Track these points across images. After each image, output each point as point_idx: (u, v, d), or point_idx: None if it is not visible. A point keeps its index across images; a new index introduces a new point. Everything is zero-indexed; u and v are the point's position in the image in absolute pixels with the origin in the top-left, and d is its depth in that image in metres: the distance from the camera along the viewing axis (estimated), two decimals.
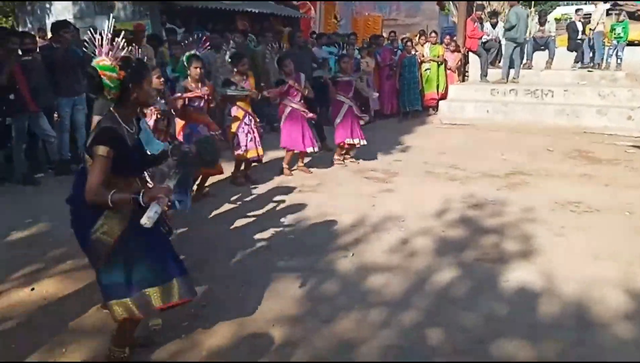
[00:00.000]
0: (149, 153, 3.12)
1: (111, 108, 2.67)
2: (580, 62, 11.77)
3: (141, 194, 2.56)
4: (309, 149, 6.79)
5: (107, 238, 2.65)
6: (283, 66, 6.69)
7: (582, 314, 3.41)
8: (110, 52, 2.58)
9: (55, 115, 7.13)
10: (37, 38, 8.04)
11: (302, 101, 6.76)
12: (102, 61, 2.56)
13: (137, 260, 2.70)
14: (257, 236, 4.77)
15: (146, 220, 2.52)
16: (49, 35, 8.24)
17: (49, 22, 12.45)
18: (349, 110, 7.17)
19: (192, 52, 5.79)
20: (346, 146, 7.27)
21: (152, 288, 2.69)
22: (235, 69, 6.35)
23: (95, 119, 3.52)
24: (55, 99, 6.87)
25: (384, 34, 13.53)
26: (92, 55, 2.62)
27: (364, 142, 7.23)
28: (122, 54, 2.65)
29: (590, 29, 11.65)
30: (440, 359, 2.95)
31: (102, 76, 2.53)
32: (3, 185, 6.43)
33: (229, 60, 7.21)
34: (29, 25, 14.07)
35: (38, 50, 7.05)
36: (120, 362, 2.89)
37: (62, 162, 7.01)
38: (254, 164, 6.63)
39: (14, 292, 3.75)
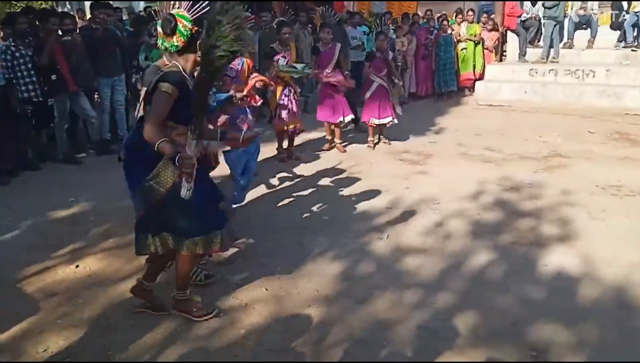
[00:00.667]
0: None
1: (173, 59, 2.91)
2: (623, 41, 11.34)
3: (177, 156, 2.76)
4: (339, 119, 6.81)
5: (159, 188, 2.89)
6: (321, 33, 6.80)
7: (621, 298, 3.36)
8: (189, 9, 2.82)
9: (96, 96, 7.29)
10: (77, 19, 8.17)
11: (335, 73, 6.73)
12: (181, 11, 2.82)
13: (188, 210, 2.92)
14: (293, 215, 4.82)
15: (184, 195, 2.80)
16: (88, 16, 8.39)
17: (87, 3, 12.63)
18: (379, 88, 7.06)
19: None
20: (373, 125, 7.17)
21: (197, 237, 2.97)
22: (278, 38, 6.38)
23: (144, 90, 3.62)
24: (95, 80, 7.01)
25: (420, 13, 13.28)
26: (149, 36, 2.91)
27: (395, 121, 7.11)
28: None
29: (633, 8, 11.17)
30: (475, 341, 2.95)
31: (178, 22, 2.78)
32: (46, 164, 6.62)
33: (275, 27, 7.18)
34: (68, 7, 14.32)
35: (77, 31, 7.18)
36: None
37: (103, 142, 7.18)
38: (296, 142, 6.69)
39: (59, 269, 3.88)
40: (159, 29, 2.91)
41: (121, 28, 7.94)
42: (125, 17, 10.25)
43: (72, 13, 10.11)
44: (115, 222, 4.61)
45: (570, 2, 12.11)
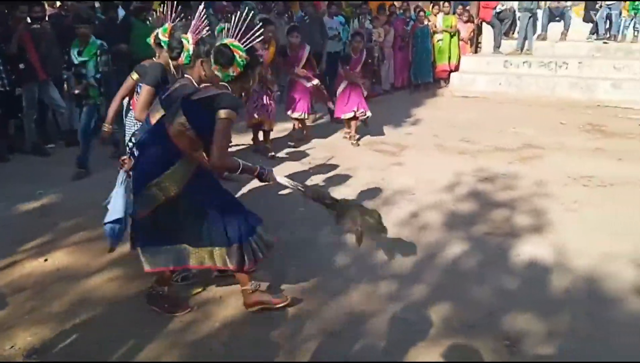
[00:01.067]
0: None
1: (225, 84, 2.88)
2: (596, 34, 11.51)
3: (267, 171, 3.05)
4: (295, 115, 6.83)
5: (160, 195, 2.83)
6: (289, 37, 6.67)
7: (594, 289, 3.40)
8: (238, 37, 2.84)
9: (65, 86, 7.10)
10: (47, 6, 7.95)
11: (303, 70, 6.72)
12: (232, 40, 2.82)
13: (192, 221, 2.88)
14: (268, 209, 4.76)
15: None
16: (58, 4, 8.17)
17: None
18: (350, 84, 6.97)
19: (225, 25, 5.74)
20: (345, 118, 7.11)
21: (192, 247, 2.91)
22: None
23: (146, 88, 3.62)
24: (64, 69, 6.83)
25: (396, 4, 13.26)
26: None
27: (369, 113, 7.00)
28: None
29: (606, 3, 11.31)
30: (450, 333, 2.96)
31: (235, 53, 2.78)
32: (14, 155, 6.45)
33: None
34: None
35: (47, 18, 6.98)
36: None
37: (72, 133, 7.00)
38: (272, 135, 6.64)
39: (27, 262, 3.78)
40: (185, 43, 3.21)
41: (92, 16, 7.73)
42: (97, 4, 10.01)
43: (41, 1, 9.82)
44: (84, 215, 4.49)
45: None
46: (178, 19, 3.78)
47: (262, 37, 2.93)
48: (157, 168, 2.83)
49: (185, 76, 3.16)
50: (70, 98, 6.90)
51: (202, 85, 2.97)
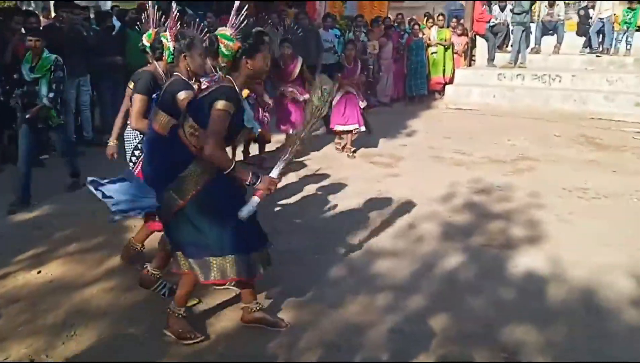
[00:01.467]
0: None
1: (227, 76, 2.81)
2: (588, 47, 11.62)
3: (259, 179, 2.76)
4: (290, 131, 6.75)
5: (176, 198, 2.78)
6: (281, 49, 6.66)
7: (590, 300, 3.41)
8: (233, 25, 2.77)
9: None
10: (41, 18, 7.96)
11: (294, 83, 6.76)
12: (224, 30, 2.77)
13: (208, 225, 2.79)
14: (264, 219, 4.74)
15: (245, 214, 2.72)
16: (53, 15, 8.19)
17: (52, 2, 12.34)
18: (345, 95, 6.96)
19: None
20: (337, 131, 7.07)
21: (214, 257, 2.79)
22: None
23: (138, 97, 3.55)
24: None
25: (390, 17, 13.37)
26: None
27: (362, 128, 6.97)
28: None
29: (598, 16, 11.41)
30: (447, 344, 2.94)
31: (220, 43, 2.72)
32: (7, 165, 6.40)
33: None
34: (32, 5, 13.94)
35: (41, 29, 6.98)
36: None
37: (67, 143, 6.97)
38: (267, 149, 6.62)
39: (21, 274, 3.74)
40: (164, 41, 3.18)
41: (87, 27, 7.74)
42: (92, 16, 10.04)
43: (36, 12, 9.83)
44: (78, 226, 4.47)
45: (537, 9, 12.33)
46: (161, 22, 3.74)
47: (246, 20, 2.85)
48: (172, 172, 2.79)
49: (174, 74, 3.14)
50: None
51: (208, 81, 2.96)
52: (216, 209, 2.80)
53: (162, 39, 3.45)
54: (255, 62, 2.78)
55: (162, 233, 3.29)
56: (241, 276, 2.84)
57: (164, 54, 3.50)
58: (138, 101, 3.57)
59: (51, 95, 5.14)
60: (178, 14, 3.53)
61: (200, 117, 2.72)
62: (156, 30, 3.66)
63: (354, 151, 7.07)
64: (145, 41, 3.71)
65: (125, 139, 3.91)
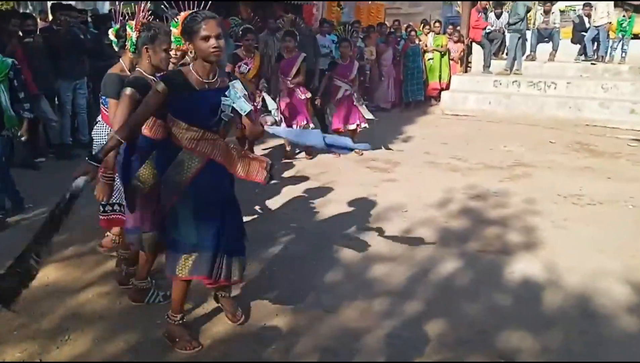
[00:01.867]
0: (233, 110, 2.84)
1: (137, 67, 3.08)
2: (584, 55, 11.70)
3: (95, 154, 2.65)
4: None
5: (141, 186, 2.90)
6: (284, 42, 6.73)
7: (585, 306, 3.41)
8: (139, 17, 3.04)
9: (57, 99, 7.07)
10: (39, 20, 7.95)
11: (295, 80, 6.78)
12: (132, 22, 3.04)
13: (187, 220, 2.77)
14: (260, 224, 4.76)
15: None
16: (51, 17, 8.18)
17: (50, 4, 12.33)
18: (346, 95, 7.05)
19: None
20: (343, 131, 7.08)
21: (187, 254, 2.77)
22: (241, 43, 6.32)
23: (111, 101, 3.32)
24: (56, 83, 6.81)
25: (387, 23, 13.43)
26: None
27: (364, 125, 7.07)
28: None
29: (593, 24, 11.48)
30: (444, 350, 2.95)
31: (128, 36, 3.04)
32: None
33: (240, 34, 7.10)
34: (30, 8, 13.92)
35: (39, 32, 6.98)
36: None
37: (63, 146, 6.97)
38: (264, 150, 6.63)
39: None
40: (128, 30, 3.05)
41: (84, 30, 7.74)
42: (90, 19, 10.04)
43: (34, 14, 9.83)
44: (74, 230, 4.44)
45: (533, 16, 12.41)
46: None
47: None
48: (164, 165, 2.78)
49: (136, 70, 3.09)
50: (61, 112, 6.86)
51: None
52: (203, 202, 2.77)
53: (127, 27, 3.31)
54: (155, 52, 3.03)
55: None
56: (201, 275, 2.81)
57: (127, 44, 3.33)
58: (112, 105, 3.27)
59: (27, 105, 5.04)
60: (149, 6, 3.39)
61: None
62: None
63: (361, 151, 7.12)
64: (111, 36, 3.59)
65: (94, 138, 3.83)
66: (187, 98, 2.66)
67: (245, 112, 2.78)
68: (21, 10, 11.78)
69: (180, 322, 2.94)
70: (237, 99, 2.75)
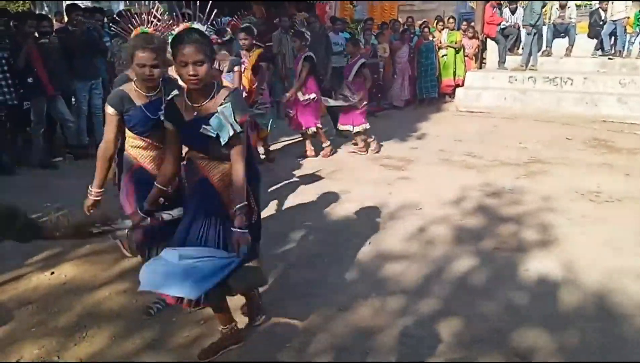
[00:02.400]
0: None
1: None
2: (601, 50, 11.54)
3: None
4: (309, 131, 6.89)
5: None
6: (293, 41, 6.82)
7: (603, 304, 3.37)
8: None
9: (73, 100, 7.16)
10: (55, 21, 8.05)
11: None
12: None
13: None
14: (273, 222, 4.77)
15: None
16: (66, 18, 8.26)
17: (65, 4, 12.47)
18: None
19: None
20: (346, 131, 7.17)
21: None
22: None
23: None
24: (72, 83, 6.89)
25: (400, 20, 13.37)
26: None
27: (357, 128, 7.01)
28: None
29: (611, 18, 11.31)
30: (458, 348, 2.93)
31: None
32: (21, 168, 6.47)
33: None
34: (46, 9, 14.10)
35: (54, 33, 7.06)
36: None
37: (80, 146, 7.05)
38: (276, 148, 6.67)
39: (34, 276, 3.78)
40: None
41: (100, 30, 7.82)
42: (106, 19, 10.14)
43: (49, 16, 9.95)
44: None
45: (549, 11, 12.27)
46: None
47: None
48: None
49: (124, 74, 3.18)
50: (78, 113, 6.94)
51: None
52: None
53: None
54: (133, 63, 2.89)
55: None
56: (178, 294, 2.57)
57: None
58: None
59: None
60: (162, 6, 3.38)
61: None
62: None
63: (368, 146, 7.21)
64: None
65: None
66: (181, 129, 2.65)
67: (225, 141, 2.51)
68: (37, 12, 11.94)
69: (235, 328, 2.93)
70: (221, 127, 2.50)
